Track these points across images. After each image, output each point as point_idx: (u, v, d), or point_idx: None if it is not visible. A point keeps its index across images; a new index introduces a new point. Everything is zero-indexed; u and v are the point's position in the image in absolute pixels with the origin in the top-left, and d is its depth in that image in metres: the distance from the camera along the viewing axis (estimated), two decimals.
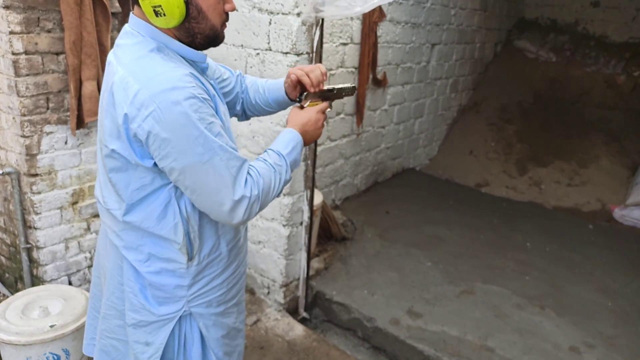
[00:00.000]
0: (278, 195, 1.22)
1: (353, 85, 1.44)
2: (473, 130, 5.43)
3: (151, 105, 1.00)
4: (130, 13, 1.14)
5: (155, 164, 1.08)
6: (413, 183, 4.67)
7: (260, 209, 1.15)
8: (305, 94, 1.33)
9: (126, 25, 1.14)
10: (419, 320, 2.62)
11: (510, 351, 2.41)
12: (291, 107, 1.42)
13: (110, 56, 1.13)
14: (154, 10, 1.03)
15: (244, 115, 1.52)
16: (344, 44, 3.46)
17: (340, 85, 1.41)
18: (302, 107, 1.33)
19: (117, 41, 1.14)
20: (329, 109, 1.37)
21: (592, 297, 2.94)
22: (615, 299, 2.94)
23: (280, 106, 1.46)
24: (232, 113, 1.49)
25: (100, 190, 1.22)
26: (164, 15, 1.04)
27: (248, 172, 1.12)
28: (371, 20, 3.51)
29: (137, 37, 1.10)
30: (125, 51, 1.10)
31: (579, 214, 4.32)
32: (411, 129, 4.73)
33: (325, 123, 1.37)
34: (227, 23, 1.18)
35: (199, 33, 1.11)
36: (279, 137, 1.27)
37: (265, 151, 1.24)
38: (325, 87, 1.36)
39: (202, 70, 1.20)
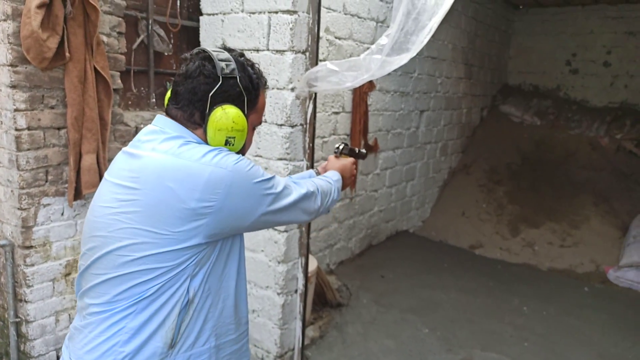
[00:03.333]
0: (327, 211, 1.41)
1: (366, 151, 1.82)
2: (464, 192, 5.52)
3: (225, 179, 1.06)
4: (158, 115, 1.18)
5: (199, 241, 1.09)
6: (407, 246, 4.67)
7: (320, 205, 1.33)
8: (342, 145, 1.67)
9: (150, 126, 1.17)
10: None
11: None
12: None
13: (133, 150, 1.13)
14: (227, 140, 1.13)
15: None
16: (336, 113, 3.59)
17: (362, 149, 1.80)
18: (337, 157, 1.65)
19: (141, 137, 1.15)
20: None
21: None
22: None
23: None
24: None
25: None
26: (233, 145, 1.15)
27: (297, 182, 1.30)
28: (362, 90, 3.67)
29: (175, 133, 1.12)
30: (166, 145, 1.09)
31: (574, 275, 4.31)
32: (403, 191, 4.80)
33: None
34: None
35: (243, 151, 1.23)
36: (325, 174, 1.52)
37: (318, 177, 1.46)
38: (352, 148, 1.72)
39: None
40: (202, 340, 1.14)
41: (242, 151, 1.21)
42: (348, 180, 1.59)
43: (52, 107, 2.20)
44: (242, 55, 1.19)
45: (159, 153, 1.08)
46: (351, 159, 1.66)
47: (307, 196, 1.27)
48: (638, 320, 3.47)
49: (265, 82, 1.24)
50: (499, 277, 4.10)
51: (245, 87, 1.16)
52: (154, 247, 1.05)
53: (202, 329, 1.13)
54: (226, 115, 1.11)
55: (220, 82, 1.11)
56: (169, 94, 1.21)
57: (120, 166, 1.13)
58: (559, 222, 4.92)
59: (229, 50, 1.18)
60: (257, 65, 1.23)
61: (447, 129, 5.36)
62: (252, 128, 1.23)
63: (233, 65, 1.14)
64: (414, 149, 4.77)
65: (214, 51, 1.14)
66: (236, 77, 1.14)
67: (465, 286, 3.86)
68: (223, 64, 1.12)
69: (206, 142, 1.14)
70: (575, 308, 3.61)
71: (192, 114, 1.14)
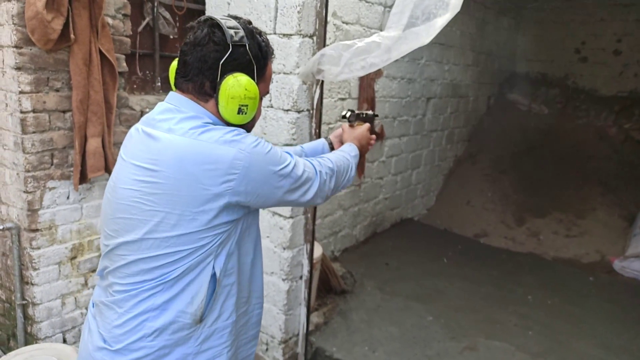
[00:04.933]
0: (342, 188, 1.39)
1: (375, 113, 1.77)
2: (469, 181, 5.49)
3: (245, 160, 1.07)
4: (172, 92, 1.17)
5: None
6: (412, 234, 4.66)
7: (335, 186, 1.32)
8: (349, 113, 1.64)
9: (164, 103, 1.16)
10: None
11: None
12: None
13: (150, 130, 1.12)
14: (240, 108, 1.12)
15: None
16: (343, 99, 3.56)
17: (369, 111, 1.76)
18: (351, 126, 1.62)
19: (156, 116, 1.14)
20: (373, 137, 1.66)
21: (597, 353, 2.88)
22: (620, 355, 2.88)
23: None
24: None
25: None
26: (245, 114, 1.14)
27: (320, 162, 1.29)
28: (369, 76, 3.63)
29: (190, 113, 1.12)
30: (184, 126, 1.08)
31: (578, 265, 4.30)
32: (409, 179, 4.78)
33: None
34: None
35: (246, 129, 1.20)
36: (342, 147, 1.49)
37: (334, 152, 1.44)
38: (359, 112, 1.70)
39: None
40: (225, 316, 1.18)
41: (252, 122, 1.22)
42: (366, 149, 1.59)
43: (57, 90, 2.18)
44: (249, 22, 1.17)
45: (177, 135, 1.08)
46: (366, 125, 1.63)
47: (324, 181, 1.27)
48: None
49: (273, 52, 1.23)
50: (503, 266, 4.09)
51: (255, 56, 1.14)
52: (177, 229, 1.06)
53: (225, 305, 1.17)
54: (238, 83, 1.10)
55: (230, 49, 1.10)
56: (174, 65, 1.19)
57: (138, 147, 1.12)
58: (564, 212, 4.89)
59: (236, 18, 1.16)
60: (264, 34, 1.21)
61: (454, 116, 5.32)
62: (261, 97, 1.22)
63: (242, 32, 1.12)
64: (420, 136, 4.73)
65: (221, 19, 1.13)
66: (245, 45, 1.12)
67: (470, 275, 3.85)
68: (232, 32, 1.11)
69: (218, 115, 1.14)
70: (580, 298, 3.60)
71: (203, 84, 1.13)
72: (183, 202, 1.04)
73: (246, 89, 1.10)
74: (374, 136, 1.64)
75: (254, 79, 1.14)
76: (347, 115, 1.64)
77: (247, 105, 1.12)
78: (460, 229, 4.95)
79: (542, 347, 2.90)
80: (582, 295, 3.65)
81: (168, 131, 1.09)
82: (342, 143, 1.59)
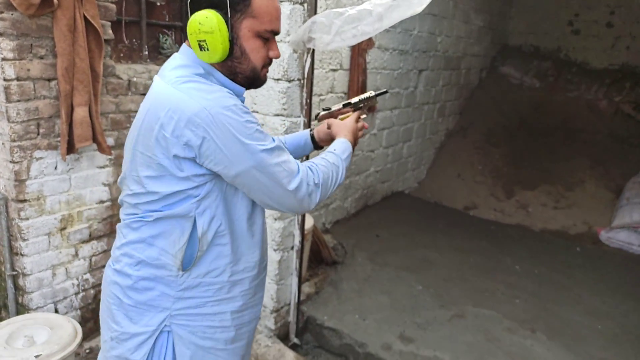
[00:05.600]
0: (333, 190, 1.29)
1: (376, 92, 1.52)
2: (460, 154, 5.51)
3: (207, 119, 1.05)
4: (183, 44, 1.21)
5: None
6: (402, 206, 4.69)
7: (321, 198, 1.20)
8: (319, 113, 1.53)
9: (176, 54, 1.21)
10: (411, 345, 2.61)
11: None
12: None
13: (156, 78, 1.18)
14: (199, 44, 1.10)
15: None
16: (334, 70, 3.52)
17: (358, 97, 1.51)
18: (317, 119, 1.52)
19: (164, 66, 1.20)
20: (364, 115, 1.51)
21: (582, 319, 2.96)
22: (604, 321, 2.96)
23: (296, 152, 1.54)
24: None
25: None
26: (208, 50, 1.11)
27: (309, 167, 1.20)
28: (360, 47, 3.59)
29: (185, 62, 1.16)
30: (172, 73, 1.13)
31: (566, 236, 4.37)
32: (400, 152, 4.78)
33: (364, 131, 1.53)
34: (269, 67, 1.24)
35: (240, 72, 1.17)
36: (335, 144, 1.37)
37: (326, 153, 1.32)
38: (345, 102, 1.51)
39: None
40: (215, 273, 1.21)
41: (239, 64, 1.15)
42: (357, 140, 1.44)
43: (41, 57, 2.13)
44: None
45: (164, 81, 1.12)
46: (354, 116, 1.46)
47: (304, 195, 1.15)
48: (627, 279, 3.54)
49: None
50: (492, 238, 4.15)
51: None
52: (148, 170, 1.13)
53: (215, 263, 1.20)
54: (193, 18, 1.10)
55: None
56: None
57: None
58: (553, 185, 4.94)
59: None
60: None
61: (446, 89, 5.29)
62: (254, 35, 1.14)
63: None
64: (411, 109, 4.71)
65: None
66: None
67: (459, 246, 3.91)
68: None
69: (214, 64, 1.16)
70: (566, 267, 3.67)
71: (184, 28, 1.16)
72: (152, 144, 1.09)
73: (200, 23, 1.08)
74: (364, 124, 1.48)
75: (226, 15, 1.10)
76: (322, 113, 1.51)
77: (204, 40, 1.09)
78: (451, 202, 4.99)
79: (529, 314, 2.97)
80: (569, 264, 3.73)
81: (162, 76, 1.15)
82: (332, 138, 1.44)
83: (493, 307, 3.02)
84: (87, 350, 2.47)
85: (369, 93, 1.51)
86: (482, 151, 5.50)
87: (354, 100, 1.49)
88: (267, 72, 1.23)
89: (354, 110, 1.49)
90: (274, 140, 1.14)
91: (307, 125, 2.51)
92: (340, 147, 1.34)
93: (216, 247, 1.19)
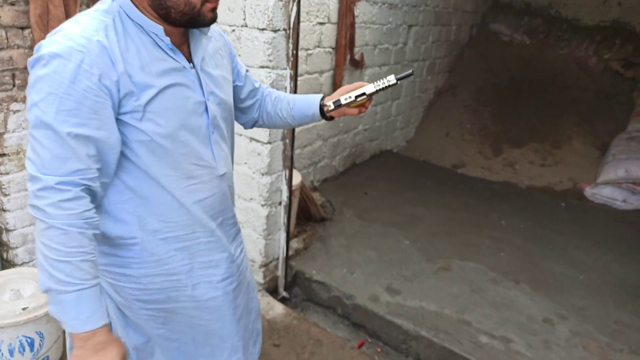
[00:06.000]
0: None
1: (399, 76, 1.28)
2: (449, 113, 5.48)
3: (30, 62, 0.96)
4: None
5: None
6: (390, 165, 4.69)
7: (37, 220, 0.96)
8: (324, 106, 1.35)
9: None
10: (397, 296, 2.65)
11: (486, 324, 2.47)
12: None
13: None
14: None
15: (252, 124, 1.52)
16: (321, 24, 3.42)
17: (376, 86, 1.28)
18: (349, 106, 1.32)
19: None
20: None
21: (565, 271, 3.03)
22: (587, 272, 3.03)
23: (303, 121, 1.46)
24: (245, 118, 1.50)
25: None
26: None
27: (59, 203, 0.94)
28: (348, 0, 3.48)
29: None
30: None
31: (551, 193, 4.42)
32: (388, 110, 4.74)
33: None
34: (216, 5, 1.08)
35: (171, 7, 1.02)
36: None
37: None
38: (358, 93, 1.30)
39: (168, 47, 1.07)
40: (129, 236, 1.13)
41: (173, 2, 1.01)
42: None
43: (12, 4, 2.02)
44: None
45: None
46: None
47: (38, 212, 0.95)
48: (609, 232, 3.61)
49: None
50: (479, 195, 4.18)
51: None
52: None
53: (146, 219, 1.13)
54: None
55: None
56: None
57: None
58: (541, 142, 4.96)
59: None
60: None
61: (435, 46, 5.20)
62: None
63: None
64: (400, 66, 4.63)
65: None
66: None
67: (447, 203, 3.93)
68: None
69: None
70: (551, 222, 3.73)
71: None
72: None
73: None
74: (362, 109, 1.34)
75: None
76: (326, 107, 1.34)
77: None
78: (439, 160, 5.00)
79: (513, 266, 3.03)
80: (554, 220, 3.78)
81: None
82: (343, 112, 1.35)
83: (479, 260, 3.07)
84: None
85: (388, 79, 1.26)
86: (471, 109, 5.47)
87: (370, 90, 1.28)
88: (214, 7, 1.07)
89: (369, 98, 1.30)
90: (80, 127, 0.94)
91: (294, 78, 2.45)
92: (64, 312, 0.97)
93: (141, 205, 1.13)
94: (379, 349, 2.49)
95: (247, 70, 1.44)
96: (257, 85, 1.47)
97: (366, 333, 2.59)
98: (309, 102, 1.41)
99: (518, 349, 2.30)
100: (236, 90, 1.40)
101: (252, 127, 1.53)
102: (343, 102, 1.31)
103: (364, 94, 1.29)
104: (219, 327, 1.30)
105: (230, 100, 1.28)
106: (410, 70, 1.32)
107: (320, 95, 1.41)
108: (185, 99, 1.10)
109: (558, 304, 2.68)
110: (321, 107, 1.38)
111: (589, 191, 4.28)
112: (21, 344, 1.85)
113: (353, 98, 1.30)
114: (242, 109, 1.47)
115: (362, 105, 1.32)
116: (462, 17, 5.61)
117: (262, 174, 2.56)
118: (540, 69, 5.59)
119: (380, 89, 1.27)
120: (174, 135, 1.08)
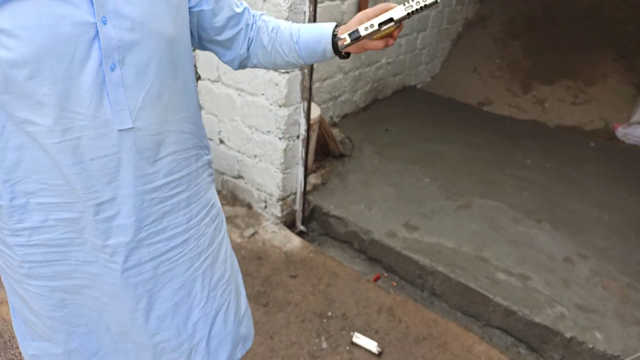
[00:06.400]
0: None
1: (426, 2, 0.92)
2: (478, 46, 5.21)
3: None
4: None
5: None
6: (414, 101, 4.54)
7: None
8: (339, 37, 1.01)
9: None
10: (415, 232, 2.64)
11: (504, 261, 2.45)
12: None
13: None
14: None
15: (240, 63, 1.14)
16: None
17: (405, 10, 0.93)
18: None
19: None
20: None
21: (589, 211, 2.95)
22: (611, 213, 2.95)
23: (311, 59, 1.09)
24: (230, 55, 1.12)
25: None
26: None
27: None
28: None
29: None
30: None
31: (581, 132, 4.25)
32: (413, 43, 4.52)
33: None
34: None
35: None
36: None
37: None
38: (382, 20, 0.95)
39: None
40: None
41: None
42: None
43: None
44: None
45: None
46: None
47: None
48: (638, 174, 3.48)
49: None
50: (504, 133, 4.05)
51: None
52: None
53: (15, 174, 0.91)
54: None
55: None
56: None
57: None
58: (573, 79, 4.71)
59: None
60: None
61: None
62: None
63: None
64: None
65: None
66: None
67: (470, 141, 3.82)
68: None
69: None
70: (578, 162, 3.60)
71: None
72: None
73: None
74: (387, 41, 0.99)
75: None
76: (341, 40, 0.99)
77: None
78: (465, 98, 4.81)
79: (535, 205, 2.97)
80: (581, 159, 3.66)
81: None
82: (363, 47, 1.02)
83: (500, 198, 3.01)
84: None
85: (416, 2, 0.92)
86: (501, 43, 5.18)
87: (399, 14, 0.94)
88: None
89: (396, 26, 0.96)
90: None
91: (313, 1, 2.30)
92: None
93: None
94: (395, 283, 2.52)
95: None
96: (238, 9, 1.07)
97: (382, 267, 2.61)
98: (318, 34, 1.04)
99: (535, 287, 2.29)
100: (202, 16, 1.02)
101: (240, 67, 1.15)
102: (363, 33, 0.97)
103: (391, 19, 0.94)
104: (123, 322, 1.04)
105: (170, 30, 0.89)
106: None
107: (332, 24, 1.04)
108: (57, 17, 0.75)
109: (580, 243, 2.63)
110: (334, 41, 1.03)
111: (620, 131, 4.10)
112: None
113: (376, 27, 0.95)
114: (221, 43, 1.08)
115: (389, 36, 0.98)
116: None
117: (280, 106, 2.49)
118: None
119: (413, 12, 0.93)
120: (34, 66, 0.76)
